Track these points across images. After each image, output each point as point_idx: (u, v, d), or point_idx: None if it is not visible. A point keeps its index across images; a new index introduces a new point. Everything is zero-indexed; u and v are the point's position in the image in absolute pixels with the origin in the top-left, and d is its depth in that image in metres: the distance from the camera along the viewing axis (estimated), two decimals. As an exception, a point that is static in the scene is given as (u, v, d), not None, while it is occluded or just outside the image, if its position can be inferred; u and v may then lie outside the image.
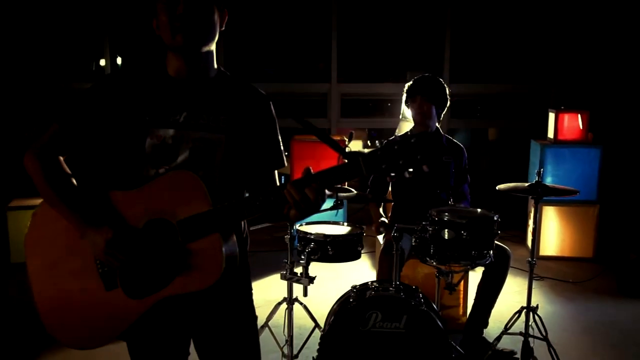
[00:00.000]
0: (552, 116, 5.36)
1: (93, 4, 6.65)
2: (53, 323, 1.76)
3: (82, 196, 1.69)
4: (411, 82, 3.54)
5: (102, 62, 6.86)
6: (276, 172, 1.88)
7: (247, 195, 1.79)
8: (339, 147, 1.61)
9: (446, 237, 2.94)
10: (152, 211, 1.64)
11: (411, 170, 1.48)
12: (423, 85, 3.47)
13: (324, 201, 1.59)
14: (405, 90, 3.57)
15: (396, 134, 4.36)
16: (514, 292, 4.39)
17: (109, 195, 1.68)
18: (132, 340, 1.82)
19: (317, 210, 1.57)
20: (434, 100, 3.45)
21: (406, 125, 3.69)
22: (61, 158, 1.71)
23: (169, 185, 1.64)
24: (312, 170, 1.56)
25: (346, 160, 1.54)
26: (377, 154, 1.49)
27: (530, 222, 3.16)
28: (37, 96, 6.16)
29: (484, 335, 3.43)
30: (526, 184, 3.21)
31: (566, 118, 5.23)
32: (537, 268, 4.80)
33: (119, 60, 6.99)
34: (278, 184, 1.86)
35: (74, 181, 1.71)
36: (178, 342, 1.87)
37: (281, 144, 1.87)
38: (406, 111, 3.61)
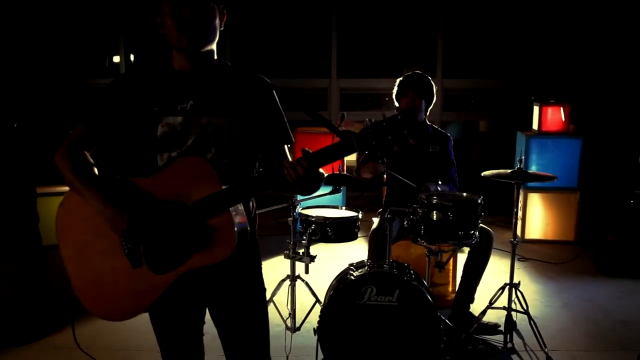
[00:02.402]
0: (536, 109, 5.47)
1: (108, 3, 6.74)
2: (86, 298, 1.87)
3: (105, 182, 1.80)
4: (402, 78, 3.71)
5: (116, 59, 6.95)
6: (286, 147, 1.95)
7: (257, 172, 1.96)
8: (334, 127, 1.71)
9: (434, 219, 3.11)
10: (168, 194, 1.74)
11: (398, 144, 1.60)
12: (414, 81, 3.66)
13: (320, 178, 1.72)
14: (396, 85, 3.73)
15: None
16: (500, 272, 4.56)
17: (129, 181, 1.79)
18: (155, 311, 1.93)
19: (317, 187, 1.74)
20: (424, 95, 3.65)
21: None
22: (86, 152, 1.86)
23: (182, 171, 1.73)
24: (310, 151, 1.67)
25: (340, 139, 1.64)
26: (368, 131, 1.59)
27: (515, 206, 3.37)
28: (54, 91, 6.23)
29: (470, 310, 3.58)
30: (509, 171, 3.38)
31: (549, 111, 5.36)
32: (522, 250, 5.05)
33: (131, 58, 7.07)
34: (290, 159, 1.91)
35: (96, 170, 1.84)
36: (195, 311, 2.00)
37: (286, 122, 1.94)
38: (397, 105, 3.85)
